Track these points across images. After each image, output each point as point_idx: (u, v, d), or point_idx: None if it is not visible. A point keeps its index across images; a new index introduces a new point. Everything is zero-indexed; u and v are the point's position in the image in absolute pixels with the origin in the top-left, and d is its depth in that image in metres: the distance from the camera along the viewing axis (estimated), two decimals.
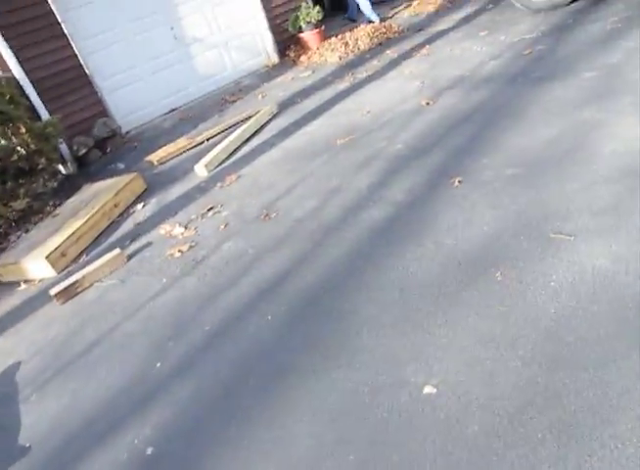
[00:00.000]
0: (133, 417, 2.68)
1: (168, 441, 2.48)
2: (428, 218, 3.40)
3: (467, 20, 7.63)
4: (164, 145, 6.51)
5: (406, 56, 6.95)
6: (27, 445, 2.79)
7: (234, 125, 6.41)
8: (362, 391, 2.35)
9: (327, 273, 3.25)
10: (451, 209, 3.41)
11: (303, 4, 8.56)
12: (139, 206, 5.16)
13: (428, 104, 5.16)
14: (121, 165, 6.40)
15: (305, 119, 5.99)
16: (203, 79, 8.20)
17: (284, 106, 6.67)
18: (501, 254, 2.88)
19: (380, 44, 7.96)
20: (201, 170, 5.42)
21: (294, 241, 3.70)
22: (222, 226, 4.19)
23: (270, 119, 6.36)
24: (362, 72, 6.91)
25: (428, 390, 2.23)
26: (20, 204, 5.53)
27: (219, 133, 6.36)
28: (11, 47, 6.48)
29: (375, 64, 7.11)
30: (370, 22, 8.75)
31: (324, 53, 8.23)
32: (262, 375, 2.65)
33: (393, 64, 6.83)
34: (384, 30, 8.31)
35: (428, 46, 7.04)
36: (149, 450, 2.45)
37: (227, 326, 3.07)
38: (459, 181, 3.64)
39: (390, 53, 7.32)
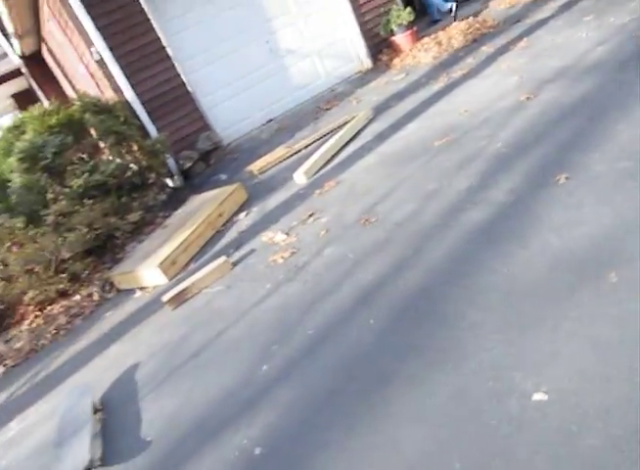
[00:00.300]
0: (241, 418, 2.78)
1: (275, 441, 2.55)
2: (532, 218, 3.25)
3: (568, 5, 7.22)
4: (263, 155, 6.73)
5: (503, 50, 6.71)
6: (148, 439, 3.00)
7: (330, 132, 6.50)
8: (468, 397, 2.29)
9: (428, 277, 3.21)
10: (557, 207, 3.24)
11: (394, 6, 8.52)
12: (242, 214, 5.37)
13: (528, 99, 4.94)
14: (224, 176, 6.69)
15: (401, 123, 5.95)
16: (297, 89, 8.40)
17: (379, 110, 6.67)
18: (615, 253, 2.68)
19: (474, 41, 7.74)
20: (300, 178, 5.55)
21: (393, 245, 3.68)
22: (322, 232, 4.27)
23: (366, 125, 6.38)
24: (457, 71, 6.76)
25: (538, 397, 2.13)
26: (134, 216, 5.95)
27: (316, 141, 6.48)
28: (124, 73, 7.02)
29: (470, 61, 6.93)
30: (450, 11, 8.55)
31: (417, 54, 8.14)
32: (365, 379, 2.66)
33: (490, 60, 6.62)
34: (478, 26, 8.07)
35: (526, 38, 6.74)
36: (257, 450, 2.53)
37: (330, 330, 3.11)
38: (565, 178, 3.45)
39: (486, 49, 7.10)
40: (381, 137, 5.83)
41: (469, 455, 2.04)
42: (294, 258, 4.05)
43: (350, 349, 2.91)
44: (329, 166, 5.65)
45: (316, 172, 5.61)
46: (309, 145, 6.46)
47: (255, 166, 6.43)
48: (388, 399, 2.47)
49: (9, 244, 5.78)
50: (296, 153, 6.45)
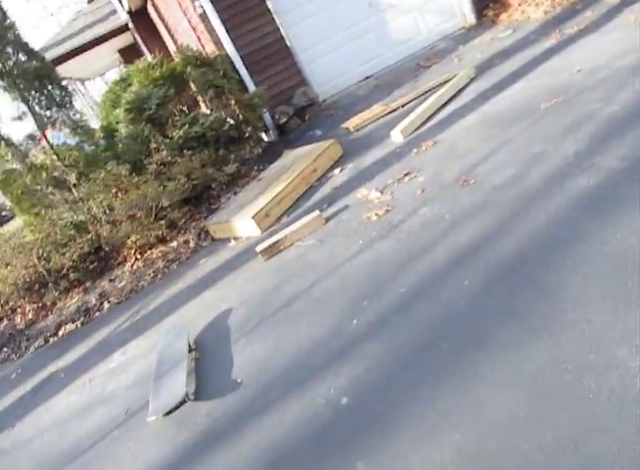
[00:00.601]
0: (329, 368, 2.80)
1: (361, 394, 2.55)
2: None
3: None
4: (360, 112, 6.62)
5: (632, 0, 6.08)
6: (239, 380, 3.11)
7: (430, 91, 6.27)
8: (565, 368, 2.16)
9: (528, 243, 3.03)
10: None
11: None
12: (336, 171, 5.33)
13: None
14: (319, 132, 6.66)
15: (506, 82, 5.61)
16: (397, 45, 8.13)
17: (482, 69, 6.33)
18: None
19: None
20: (396, 136, 5.41)
21: (492, 208, 3.52)
22: (419, 191, 4.15)
23: (468, 84, 6.08)
24: (572, 27, 6.24)
25: None
26: (230, 168, 6.08)
27: (415, 99, 6.27)
28: (225, 27, 7.09)
29: (588, 15, 6.36)
30: None
31: (526, 9, 7.60)
32: (456, 340, 2.58)
33: (613, 12, 6.03)
34: None
35: None
36: (343, 400, 2.55)
37: (422, 289, 3.04)
38: None
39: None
40: (483, 97, 5.54)
41: (563, 426, 1.94)
42: (388, 216, 3.98)
43: (443, 309, 2.83)
44: (427, 126, 5.46)
45: (414, 131, 5.44)
46: (408, 103, 6.26)
47: (351, 123, 6.35)
48: (479, 361, 2.39)
49: (115, 190, 6.11)
50: (393, 111, 6.29)
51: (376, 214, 4.07)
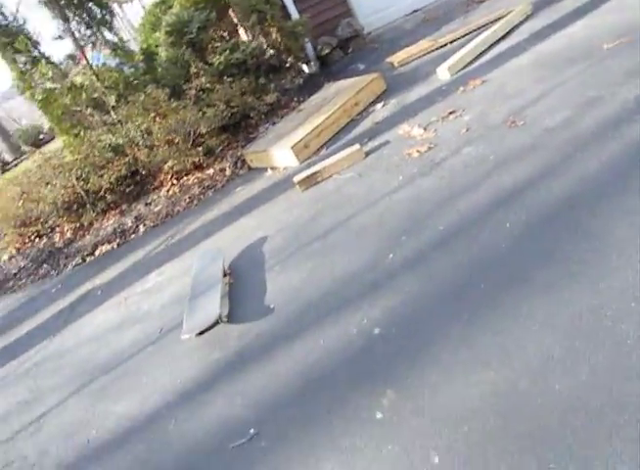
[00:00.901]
0: (363, 299, 2.82)
1: (395, 326, 2.56)
2: None
3: None
4: (405, 47, 6.37)
5: None
6: (272, 306, 3.16)
7: (481, 28, 5.97)
8: (604, 314, 2.12)
9: (576, 188, 2.93)
10: None
11: None
12: (378, 105, 5.19)
13: None
14: (362, 66, 6.46)
15: (565, 20, 5.29)
16: None
17: (539, 5, 5.97)
18: None
19: None
20: (443, 73, 5.21)
21: (541, 151, 3.38)
22: (463, 130, 4.02)
23: (523, 21, 5.76)
24: None
25: None
26: (270, 98, 5.98)
27: (464, 36, 5.99)
28: None
29: None
30: None
31: None
32: (495, 280, 2.55)
33: None
34: None
35: None
36: (376, 330, 2.57)
37: (462, 228, 2.99)
38: None
39: None
40: (538, 36, 5.24)
41: (598, 371, 1.91)
42: (430, 154, 3.88)
43: (483, 249, 2.79)
44: (476, 64, 5.22)
45: (461, 69, 5.22)
46: (456, 39, 5.99)
47: (396, 58, 6.12)
48: (517, 302, 2.36)
49: (153, 114, 6.08)
50: (441, 47, 6.03)
51: (417, 151, 3.97)
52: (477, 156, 3.63)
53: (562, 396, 1.89)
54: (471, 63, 5.27)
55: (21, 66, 6.32)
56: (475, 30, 5.98)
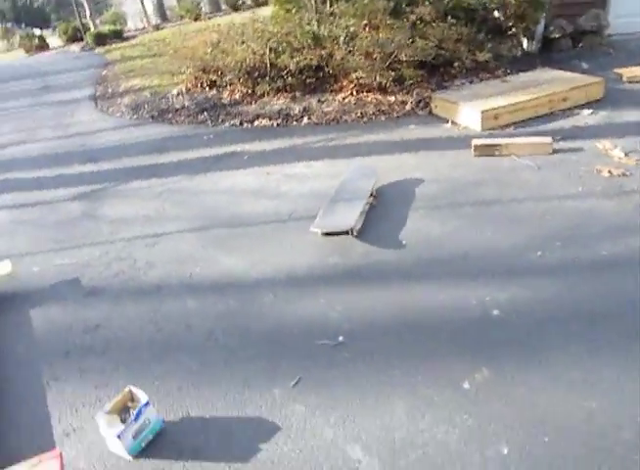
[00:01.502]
0: (495, 279, 2.75)
1: (515, 314, 2.48)
2: None
3: None
4: None
5: None
6: (404, 242, 3.20)
7: None
8: None
9: None
10: None
11: None
12: (586, 111, 4.85)
13: None
14: (585, 66, 6.01)
15: None
16: None
17: None
18: None
19: None
20: None
21: None
22: None
23: None
24: None
25: None
26: (481, 56, 5.73)
27: None
28: None
29: None
30: None
31: None
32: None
33: None
34: None
35: None
36: (495, 312, 2.52)
37: (625, 263, 2.79)
38: None
39: None
40: None
41: None
42: (622, 180, 3.61)
43: (631, 291, 2.61)
44: None
45: None
46: None
47: (628, 72, 5.61)
48: None
49: (366, 22, 6.05)
50: None
51: (609, 172, 3.71)
52: None
53: None
54: None
55: None
56: None
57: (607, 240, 2.98)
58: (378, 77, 5.68)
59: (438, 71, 6.00)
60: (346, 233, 3.28)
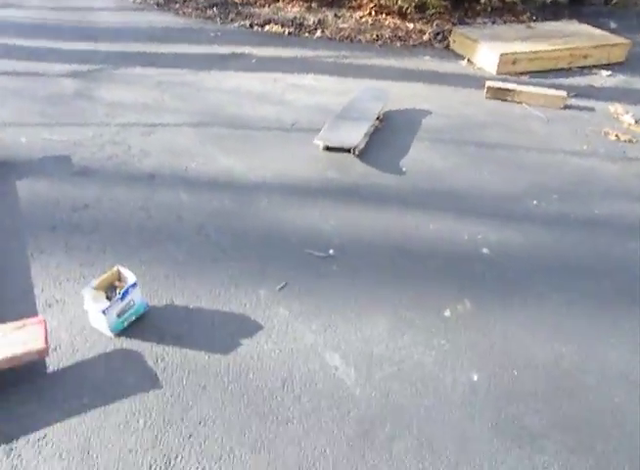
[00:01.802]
0: (490, 220, 2.78)
1: (505, 256, 2.52)
2: None
3: None
4: None
5: None
6: (404, 169, 3.19)
7: None
8: None
9: None
10: None
11: None
12: (604, 72, 4.76)
13: None
14: (613, 25, 5.84)
15: None
16: None
17: None
18: None
19: None
20: None
21: None
22: None
23: None
24: None
25: None
26: None
27: None
28: None
29: None
30: None
31: None
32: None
33: None
34: None
35: None
36: (484, 250, 2.57)
37: (609, 222, 2.84)
38: None
39: None
40: None
41: None
42: (627, 146, 3.60)
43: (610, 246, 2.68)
44: None
45: None
46: None
47: None
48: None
49: None
50: None
51: (616, 136, 3.70)
52: None
53: None
54: None
55: None
56: None
57: (604, 201, 3.01)
58: (400, 1, 5.44)
59: (462, 6, 5.78)
60: (348, 151, 3.23)
